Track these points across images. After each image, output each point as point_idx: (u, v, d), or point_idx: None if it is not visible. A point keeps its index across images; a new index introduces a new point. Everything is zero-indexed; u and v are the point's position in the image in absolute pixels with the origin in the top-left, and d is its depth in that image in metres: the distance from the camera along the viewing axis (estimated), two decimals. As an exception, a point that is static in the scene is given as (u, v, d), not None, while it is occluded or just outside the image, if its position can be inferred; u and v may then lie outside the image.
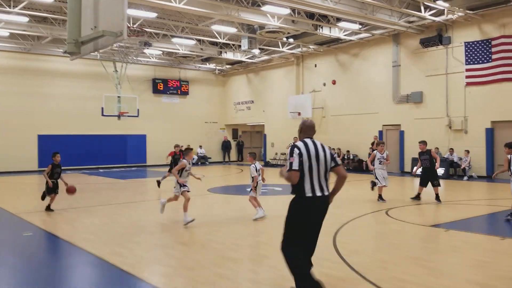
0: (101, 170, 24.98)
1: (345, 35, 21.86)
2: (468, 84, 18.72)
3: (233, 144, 32.60)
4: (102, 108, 23.43)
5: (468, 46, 18.59)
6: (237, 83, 32.16)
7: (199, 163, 30.10)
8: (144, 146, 28.73)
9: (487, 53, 18.08)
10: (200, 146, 30.71)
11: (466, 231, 8.46)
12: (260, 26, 20.38)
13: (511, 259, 6.47)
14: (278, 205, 10.84)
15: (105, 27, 6.03)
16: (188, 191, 9.26)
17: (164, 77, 29.96)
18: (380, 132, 21.96)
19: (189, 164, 9.61)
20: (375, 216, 10.03)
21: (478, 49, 18.36)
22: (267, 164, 28.20)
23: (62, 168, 11.15)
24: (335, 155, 5.03)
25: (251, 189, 9.76)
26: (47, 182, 10.70)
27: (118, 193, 15.02)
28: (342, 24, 20.02)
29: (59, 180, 11.03)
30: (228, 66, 30.83)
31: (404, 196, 13.22)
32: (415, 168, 13.06)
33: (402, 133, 21.33)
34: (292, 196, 4.83)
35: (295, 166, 4.67)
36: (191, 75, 31.36)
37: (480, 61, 18.28)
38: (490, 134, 18.17)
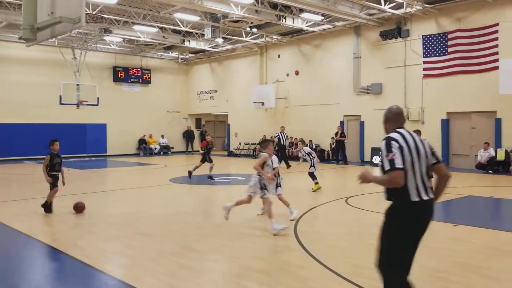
0: (59, 160, 24.25)
1: (307, 26, 22.03)
2: (425, 76, 19.33)
3: (197, 133, 32.39)
4: (60, 96, 22.73)
5: (426, 39, 19.15)
6: (200, 72, 31.87)
7: (161, 152, 29.78)
8: (104, 135, 28.09)
9: (444, 46, 18.70)
10: (162, 136, 30.37)
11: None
12: (224, 15, 20.22)
13: (463, 245, 6.79)
14: (236, 195, 10.90)
15: (63, 13, 5.84)
16: (267, 196, 7.72)
17: (125, 65, 29.30)
18: (342, 123, 22.38)
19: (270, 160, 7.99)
20: (335, 205, 10.26)
21: (435, 42, 18.95)
22: (230, 154, 28.21)
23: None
24: (434, 150, 4.04)
25: (277, 185, 8.36)
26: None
27: (76, 183, 14.66)
28: (304, 15, 20.17)
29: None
30: (191, 55, 30.48)
31: (363, 184, 13.55)
32: None
33: (362, 124, 21.82)
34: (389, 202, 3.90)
35: (399, 163, 3.60)
36: (153, 63, 30.82)
37: (437, 54, 18.89)
38: (445, 124, 18.87)
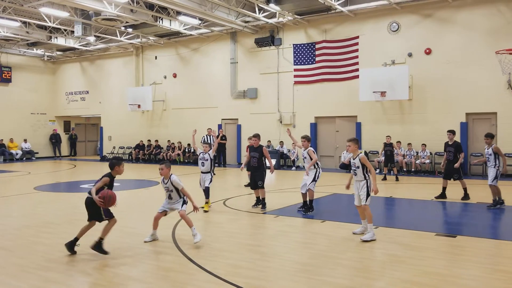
0: None
1: (185, 29, 21.97)
2: (296, 82, 20.60)
3: (65, 137, 30.13)
4: None
5: (296, 48, 20.43)
6: (69, 72, 29.74)
7: (24, 158, 27.10)
8: (-47, 139, 24.63)
9: (312, 55, 20.13)
10: (25, 140, 27.65)
11: (292, 216, 9.34)
12: (96, 12, 19.18)
13: (328, 239, 7.36)
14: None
15: None
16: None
17: (-21, 61, 26.08)
18: (220, 126, 22.73)
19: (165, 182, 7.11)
20: (214, 207, 10.37)
21: (304, 51, 20.30)
22: (103, 159, 26.81)
23: None
24: None
25: (313, 180, 9.07)
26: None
27: None
28: (182, 18, 20.08)
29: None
30: (59, 53, 28.26)
31: (241, 186, 13.94)
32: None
33: (239, 127, 22.43)
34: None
35: None
36: (14, 60, 27.92)
37: (306, 62, 20.26)
38: (314, 128, 20.30)
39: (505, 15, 16.26)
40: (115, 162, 6.64)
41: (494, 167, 10.07)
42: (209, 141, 17.89)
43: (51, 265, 5.99)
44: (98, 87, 28.35)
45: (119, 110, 26.63)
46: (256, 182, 9.96)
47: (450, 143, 11.21)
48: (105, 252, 6.38)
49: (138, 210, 10.21)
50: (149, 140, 25.29)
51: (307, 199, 9.44)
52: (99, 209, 6.40)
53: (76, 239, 6.54)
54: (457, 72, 17.06)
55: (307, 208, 9.45)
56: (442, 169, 11.63)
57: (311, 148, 9.55)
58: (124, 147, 26.72)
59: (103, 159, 26.89)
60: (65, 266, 5.96)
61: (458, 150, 11.09)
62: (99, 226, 6.58)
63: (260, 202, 10.09)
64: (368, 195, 7.29)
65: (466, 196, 11.09)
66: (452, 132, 11.28)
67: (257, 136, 10.25)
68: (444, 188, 11.24)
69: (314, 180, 9.37)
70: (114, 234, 7.80)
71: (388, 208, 10.86)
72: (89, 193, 6.39)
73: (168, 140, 24.40)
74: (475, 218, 9.33)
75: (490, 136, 10.22)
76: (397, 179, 15.43)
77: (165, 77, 25.08)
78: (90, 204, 6.44)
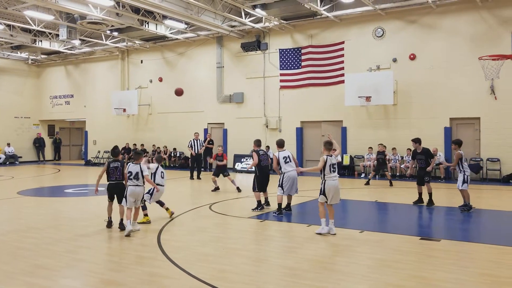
0: None
1: (171, 33, 21.91)
2: (282, 87, 20.67)
3: (49, 141, 29.73)
4: None
5: (282, 53, 20.52)
6: (54, 75, 29.39)
7: (7, 162, 26.67)
8: None
9: (298, 60, 20.23)
10: (8, 144, 27.21)
11: (279, 221, 9.34)
12: (81, 15, 19.02)
13: (316, 244, 7.37)
14: (93, 207, 10.34)
15: None
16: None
17: (-39, 64, 25.64)
18: (206, 130, 22.66)
19: None
20: (199, 212, 10.33)
21: (290, 56, 20.40)
22: (88, 163, 26.53)
23: None
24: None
25: (278, 185, 9.33)
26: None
27: None
28: (168, 22, 20.02)
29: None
30: (43, 56, 27.94)
31: (227, 191, 13.89)
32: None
33: (225, 131, 22.40)
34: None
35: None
36: (-3, 63, 27.53)
37: (292, 67, 20.36)
38: (300, 132, 20.37)
39: (487, 22, 16.56)
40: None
41: (461, 172, 10.32)
42: (196, 145, 17.80)
43: (36, 271, 5.89)
44: (83, 91, 28.07)
45: (104, 114, 26.39)
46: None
47: (418, 151, 11.31)
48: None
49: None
50: (134, 144, 25.09)
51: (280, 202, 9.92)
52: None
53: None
54: (441, 77, 17.30)
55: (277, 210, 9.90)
56: (408, 176, 11.87)
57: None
58: (109, 151, 26.45)
59: (88, 163, 26.61)
60: (50, 272, 5.87)
61: (429, 156, 11.23)
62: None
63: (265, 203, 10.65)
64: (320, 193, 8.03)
65: (419, 201, 11.24)
66: (415, 140, 11.34)
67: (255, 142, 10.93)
68: (420, 194, 11.37)
69: (278, 185, 9.87)
70: (97, 239, 7.72)
71: (373, 213, 10.93)
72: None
73: (153, 145, 24.25)
74: (459, 223, 9.44)
75: (456, 143, 10.52)
76: (391, 184, 15.47)
77: (151, 81, 24.95)
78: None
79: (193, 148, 17.66)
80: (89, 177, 19.82)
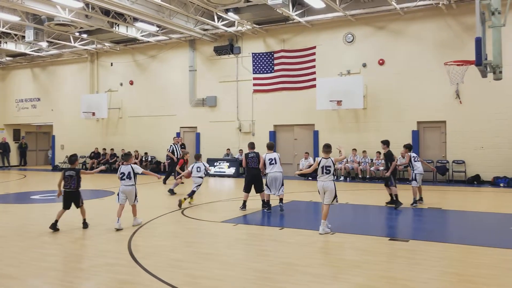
0: None
1: (142, 36, 21.68)
2: (255, 91, 20.74)
3: (14, 146, 28.83)
4: None
5: (255, 57, 20.60)
6: (20, 78, 28.60)
7: (-29, 168, 25.74)
8: None
9: (270, 64, 20.36)
10: (-28, 149, 26.30)
11: (252, 224, 9.35)
12: (49, 17, 18.61)
13: (288, 247, 7.42)
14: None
15: None
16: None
17: None
18: (178, 134, 22.50)
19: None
20: (172, 217, 10.23)
21: (263, 60, 20.50)
22: (55, 169, 25.89)
23: None
24: None
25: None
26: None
27: None
28: (139, 24, 19.81)
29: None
30: (8, 58, 27.12)
31: (202, 195, 13.81)
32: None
33: (198, 135, 22.29)
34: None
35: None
36: (-41, 65, 26.60)
37: (265, 71, 20.47)
38: (273, 136, 20.48)
39: (453, 28, 17.09)
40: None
41: (413, 171, 11.43)
42: (177, 150, 17.55)
43: (0, 281, 5.71)
44: (50, 94, 27.42)
45: (73, 118, 25.83)
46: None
47: (384, 152, 11.63)
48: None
49: (92, 221, 9.89)
50: (104, 149, 24.66)
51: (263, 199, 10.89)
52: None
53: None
54: (408, 82, 17.73)
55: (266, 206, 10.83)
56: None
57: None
58: (85, 156, 25.88)
59: (55, 168, 25.96)
60: (15, 281, 5.69)
61: (388, 159, 11.46)
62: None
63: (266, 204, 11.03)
64: None
65: (392, 202, 11.44)
66: (383, 142, 11.59)
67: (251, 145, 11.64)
68: (390, 195, 11.62)
69: (265, 184, 10.84)
70: (67, 247, 7.55)
71: (343, 214, 11.07)
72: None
73: (122, 149, 23.85)
74: (427, 223, 9.68)
75: (407, 147, 11.58)
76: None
77: (121, 84, 24.60)
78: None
79: (175, 153, 17.27)
80: (57, 183, 19.35)
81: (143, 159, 23.25)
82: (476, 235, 8.43)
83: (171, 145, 17.61)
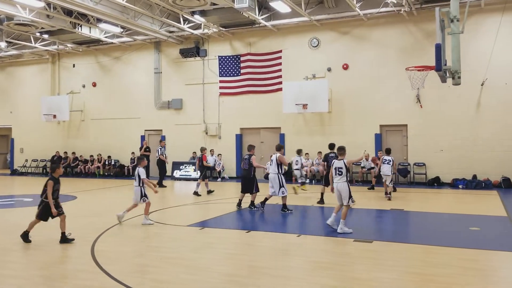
0: None
1: (106, 37, 21.27)
2: (221, 94, 20.71)
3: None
4: None
5: (221, 60, 20.58)
6: (-24, 79, 27.45)
7: None
8: None
9: (237, 68, 20.38)
10: None
11: (218, 228, 9.32)
12: (8, 16, 17.97)
13: (255, 250, 7.43)
14: (21, 220, 9.71)
15: None
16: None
17: None
18: (142, 137, 22.16)
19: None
20: (136, 221, 10.05)
21: (229, 63, 20.50)
22: (14, 173, 24.98)
23: None
24: None
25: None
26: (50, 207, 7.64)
27: None
28: (103, 25, 19.42)
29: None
30: (-37, 58, 26.03)
31: (164, 199, 13.63)
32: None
33: (163, 138, 21.95)
34: None
35: None
36: None
37: (231, 74, 20.47)
38: (239, 139, 20.49)
39: (414, 35, 17.63)
40: (55, 166, 7.91)
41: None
42: (163, 153, 17.45)
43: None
44: (9, 95, 26.45)
45: (33, 121, 25.00)
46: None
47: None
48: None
49: (54, 228, 9.59)
50: (65, 152, 24.00)
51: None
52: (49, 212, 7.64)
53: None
54: (371, 86, 18.15)
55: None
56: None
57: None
58: (37, 160, 25.10)
59: (14, 172, 25.05)
60: (-31, 291, 5.45)
61: (325, 161, 12.15)
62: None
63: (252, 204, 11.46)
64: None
65: (321, 201, 12.28)
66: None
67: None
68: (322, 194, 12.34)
69: None
70: (27, 253, 7.28)
71: (310, 217, 11.20)
72: (45, 198, 7.59)
73: (81, 156, 23.32)
74: (389, 224, 9.91)
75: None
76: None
77: (83, 86, 24.03)
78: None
79: (164, 155, 17.50)
80: (16, 188, 18.69)
81: (106, 162, 22.76)
82: (436, 235, 8.70)
83: (160, 148, 17.47)
